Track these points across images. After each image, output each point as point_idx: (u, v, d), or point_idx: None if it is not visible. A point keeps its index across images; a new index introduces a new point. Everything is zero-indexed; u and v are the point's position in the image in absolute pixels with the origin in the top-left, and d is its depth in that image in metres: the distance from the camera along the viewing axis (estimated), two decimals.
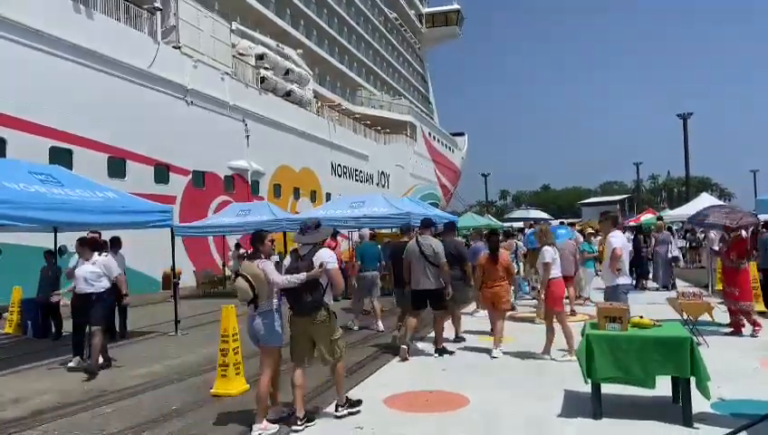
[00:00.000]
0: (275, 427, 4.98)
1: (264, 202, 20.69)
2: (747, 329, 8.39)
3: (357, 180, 37.85)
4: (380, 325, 9.97)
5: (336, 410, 5.29)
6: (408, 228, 9.01)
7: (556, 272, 7.33)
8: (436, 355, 7.65)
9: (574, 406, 5.21)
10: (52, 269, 10.37)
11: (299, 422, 4.97)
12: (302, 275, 4.97)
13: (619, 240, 6.78)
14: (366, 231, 12.68)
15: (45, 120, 15.66)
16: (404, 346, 7.56)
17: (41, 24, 15.58)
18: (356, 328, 10.09)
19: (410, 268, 7.67)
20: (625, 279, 6.88)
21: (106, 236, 10.57)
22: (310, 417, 5.12)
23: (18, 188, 7.73)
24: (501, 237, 10.12)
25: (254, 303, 5.07)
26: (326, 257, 5.10)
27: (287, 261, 5.37)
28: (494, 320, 7.76)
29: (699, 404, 4.84)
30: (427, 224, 8.14)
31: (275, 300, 5.20)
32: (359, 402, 5.42)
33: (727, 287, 8.77)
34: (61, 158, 15.33)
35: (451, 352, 7.78)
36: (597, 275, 13.33)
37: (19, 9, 15.04)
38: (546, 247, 7.38)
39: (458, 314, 8.87)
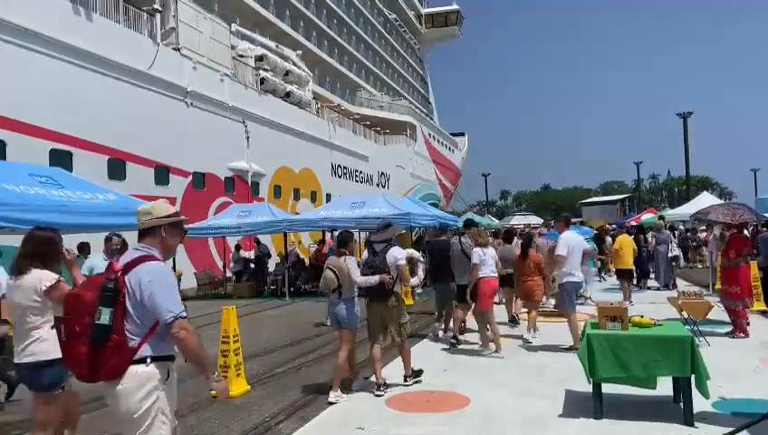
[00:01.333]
0: (345, 396, 5.85)
1: (264, 203, 20.68)
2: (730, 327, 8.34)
3: (357, 181, 37.87)
4: None
5: (405, 381, 6.28)
6: (446, 228, 10.03)
7: (485, 271, 7.69)
8: (454, 342, 8.24)
9: (575, 406, 5.21)
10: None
11: (381, 389, 5.98)
12: (376, 278, 5.89)
13: (565, 243, 7.34)
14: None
15: (45, 122, 15.66)
16: (459, 336, 8.29)
17: (40, 26, 15.58)
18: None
19: (454, 264, 8.39)
20: (572, 277, 7.43)
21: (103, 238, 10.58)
22: (388, 385, 6.08)
23: (18, 190, 7.72)
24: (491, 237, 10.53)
25: (338, 291, 5.93)
26: (397, 254, 6.05)
27: (365, 255, 6.32)
28: (529, 310, 8.69)
29: (700, 403, 4.84)
30: (470, 224, 9.09)
31: (355, 290, 6.10)
32: (421, 372, 6.41)
33: (726, 286, 8.69)
34: (61, 160, 15.36)
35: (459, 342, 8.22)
36: (599, 275, 13.32)
37: (18, 11, 15.05)
38: (475, 249, 7.82)
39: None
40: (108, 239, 6.97)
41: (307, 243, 24.65)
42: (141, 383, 2.74)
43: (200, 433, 5.03)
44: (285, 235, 17.02)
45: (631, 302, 11.30)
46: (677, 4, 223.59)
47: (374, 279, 5.88)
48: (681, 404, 4.84)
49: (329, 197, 31.52)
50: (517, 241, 10.44)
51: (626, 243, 12.60)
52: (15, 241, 14.15)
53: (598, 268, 14.09)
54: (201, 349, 2.85)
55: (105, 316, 2.70)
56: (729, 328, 8.43)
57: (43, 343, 3.65)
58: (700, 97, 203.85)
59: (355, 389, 6.06)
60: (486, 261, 7.72)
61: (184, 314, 2.75)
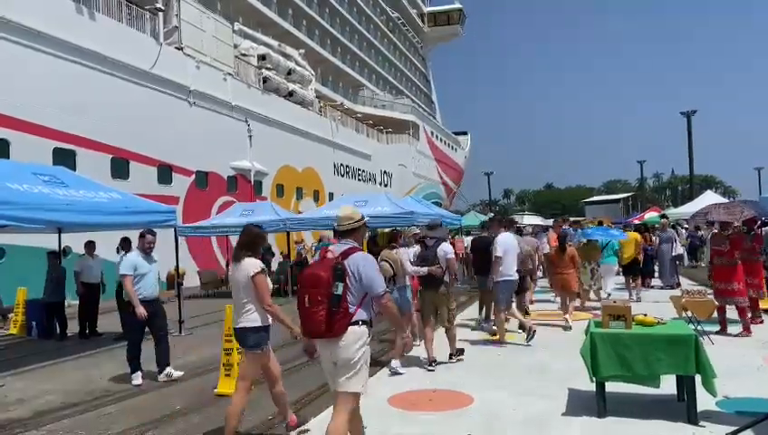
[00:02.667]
0: (404, 370, 6.63)
1: (267, 202, 20.71)
2: (737, 327, 8.29)
3: (360, 180, 37.87)
4: None
5: (450, 359, 7.08)
6: (484, 224, 11.32)
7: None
8: (521, 331, 8.63)
9: (578, 404, 5.20)
10: (57, 270, 10.41)
11: (432, 365, 6.79)
12: (425, 269, 6.85)
13: (500, 245, 7.88)
14: (327, 232, 14.76)
15: (48, 121, 15.70)
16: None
17: (43, 25, 15.62)
18: None
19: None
20: (507, 277, 7.97)
21: (107, 237, 10.64)
22: (437, 361, 6.89)
23: (22, 189, 7.75)
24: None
25: (393, 280, 6.80)
26: (447, 249, 6.96)
27: (417, 249, 7.27)
28: (564, 300, 9.50)
29: (704, 402, 4.82)
30: (511, 222, 10.28)
31: (407, 279, 7.04)
32: (462, 351, 7.27)
33: (724, 284, 8.55)
34: (64, 159, 15.41)
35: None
36: (618, 272, 13.25)
37: (21, 11, 15.09)
38: (400, 250, 8.37)
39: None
40: (142, 236, 7.04)
41: (309, 242, 24.69)
42: (356, 339, 3.72)
43: (204, 431, 5.03)
44: (288, 234, 17.03)
45: (637, 298, 11.23)
46: (682, 3, 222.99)
47: (423, 270, 6.86)
48: (685, 403, 4.83)
49: (331, 196, 31.54)
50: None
51: (629, 239, 12.75)
52: (20, 240, 14.21)
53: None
54: (398, 315, 4.28)
55: (339, 289, 3.69)
56: (738, 328, 8.34)
57: (252, 314, 4.64)
58: (704, 95, 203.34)
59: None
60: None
61: (387, 290, 3.89)
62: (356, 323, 3.73)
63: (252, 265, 4.64)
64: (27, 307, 11.08)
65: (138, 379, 6.72)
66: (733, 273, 8.40)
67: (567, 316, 9.19)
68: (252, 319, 4.64)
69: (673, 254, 14.40)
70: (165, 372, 6.87)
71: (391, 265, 6.98)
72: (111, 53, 17.81)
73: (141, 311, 6.60)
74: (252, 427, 5.09)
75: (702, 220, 10.74)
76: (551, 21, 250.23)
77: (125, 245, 10.16)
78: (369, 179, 39.63)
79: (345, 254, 3.81)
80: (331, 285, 3.68)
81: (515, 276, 8.15)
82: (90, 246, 10.51)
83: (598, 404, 4.92)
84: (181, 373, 6.95)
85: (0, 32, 14.60)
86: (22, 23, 15.05)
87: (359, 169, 37.92)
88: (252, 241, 4.80)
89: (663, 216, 18.25)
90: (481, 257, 9.27)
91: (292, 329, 4.64)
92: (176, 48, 21.14)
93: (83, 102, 16.65)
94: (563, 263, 9.41)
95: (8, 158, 14.01)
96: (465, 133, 73.23)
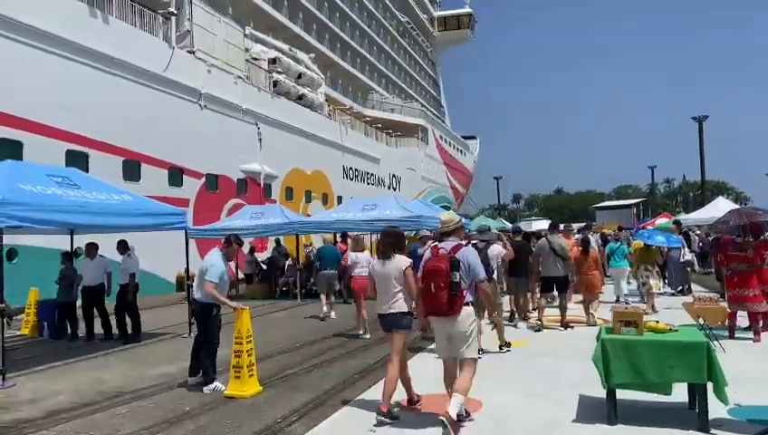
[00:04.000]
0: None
1: (276, 205, 20.78)
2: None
3: (368, 183, 37.90)
4: (332, 314, 12.04)
5: (500, 349, 7.67)
6: (519, 230, 12.26)
7: (357, 271, 9.90)
8: (563, 329, 9.50)
9: (589, 411, 5.17)
10: (69, 271, 10.48)
11: (480, 354, 6.66)
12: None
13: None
14: (328, 236, 15.18)
15: (61, 123, 15.86)
16: (539, 322, 9.72)
17: (57, 28, 15.79)
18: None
19: (540, 260, 9.86)
20: None
21: (109, 238, 10.69)
22: (484, 351, 7.42)
23: (36, 190, 7.83)
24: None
25: None
26: (497, 250, 8.23)
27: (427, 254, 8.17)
28: (589, 300, 10.09)
29: (715, 410, 4.78)
30: (555, 226, 10.91)
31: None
32: (510, 344, 7.84)
33: (740, 290, 8.48)
34: (77, 161, 15.53)
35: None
36: (630, 279, 13.31)
37: (36, 13, 15.26)
38: (350, 252, 10.14)
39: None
40: (230, 244, 6.93)
41: (318, 245, 24.73)
42: (468, 316, 4.84)
43: (213, 433, 5.05)
44: (297, 237, 17.08)
45: (654, 311, 11.05)
46: (692, 6, 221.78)
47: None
48: (696, 411, 4.79)
49: (340, 199, 31.59)
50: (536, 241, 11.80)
51: (639, 246, 12.70)
52: (32, 241, 14.25)
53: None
54: (492, 297, 5.41)
55: (456, 277, 4.72)
56: (751, 334, 8.28)
57: (401, 302, 5.34)
58: (716, 100, 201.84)
59: None
60: (358, 263, 9.92)
61: (486, 277, 5.04)
62: (466, 304, 4.81)
63: (404, 260, 5.37)
64: (39, 308, 11.17)
65: (219, 384, 6.44)
66: (751, 279, 8.35)
67: (593, 312, 9.94)
68: (402, 305, 5.32)
69: (682, 260, 14.28)
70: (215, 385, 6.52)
71: None
72: (124, 57, 17.97)
73: (238, 304, 6.46)
74: (263, 428, 5.10)
75: (725, 228, 10.58)
76: (561, 25, 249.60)
77: (122, 248, 10.24)
78: (378, 183, 39.66)
79: (455, 249, 4.89)
80: (450, 273, 4.71)
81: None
82: (89, 247, 10.39)
83: (608, 411, 4.89)
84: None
85: (14, 34, 14.76)
86: (36, 25, 15.22)
87: (367, 173, 37.97)
88: (397, 241, 5.54)
89: (676, 222, 18.10)
90: (519, 260, 9.99)
91: (421, 319, 5.20)
92: (187, 52, 21.29)
93: (96, 105, 16.79)
94: (587, 265, 10.19)
95: (21, 159, 14.15)
96: (474, 138, 73.12)
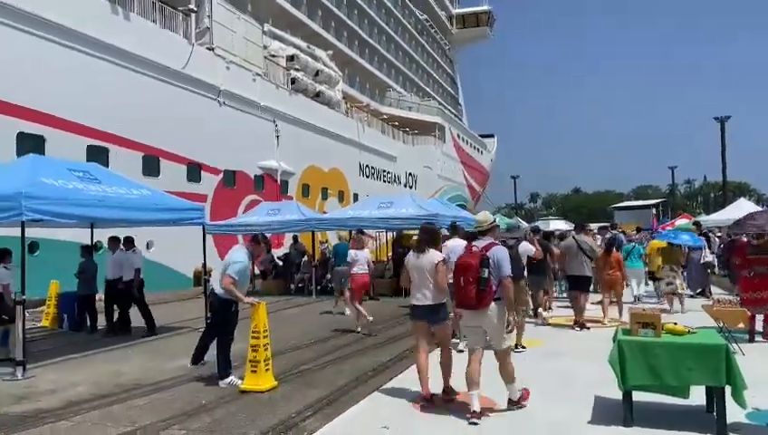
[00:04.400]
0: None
1: (292, 202, 20.88)
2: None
3: (385, 181, 37.91)
4: (347, 311, 11.91)
5: (516, 348, 7.37)
6: (538, 229, 12.22)
7: (356, 269, 10.12)
8: (578, 329, 9.62)
9: (604, 413, 5.13)
10: (89, 264, 10.63)
11: (518, 348, 7.57)
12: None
13: (447, 249, 8.78)
14: (343, 233, 15.42)
15: (83, 118, 16.09)
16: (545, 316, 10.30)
17: (79, 24, 16.01)
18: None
19: (567, 259, 10.06)
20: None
21: (129, 233, 10.83)
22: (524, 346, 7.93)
23: (57, 184, 7.95)
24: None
25: None
26: (527, 247, 8.35)
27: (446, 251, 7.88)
28: (609, 299, 10.42)
29: (733, 414, 4.71)
30: (582, 226, 11.08)
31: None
32: (524, 348, 7.92)
33: (759, 293, 8.35)
34: (98, 156, 15.74)
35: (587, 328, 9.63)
36: (647, 281, 13.35)
37: (58, 10, 15.49)
38: (350, 250, 10.51)
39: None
40: (257, 242, 7.00)
41: (334, 242, 24.81)
42: (497, 309, 5.13)
43: (227, 427, 5.10)
44: (313, 234, 17.14)
45: (683, 311, 11.00)
46: (716, 5, 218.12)
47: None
48: (714, 414, 4.72)
49: (356, 196, 31.64)
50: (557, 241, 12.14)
51: (654, 247, 12.79)
52: (55, 234, 14.41)
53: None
54: (512, 296, 5.22)
55: (485, 273, 5.03)
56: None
57: (435, 294, 5.62)
58: (739, 100, 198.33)
59: None
60: (357, 261, 10.08)
61: (510, 274, 5.17)
62: (495, 299, 5.10)
63: (437, 255, 5.71)
64: (59, 300, 11.35)
65: (235, 378, 6.49)
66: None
67: (613, 317, 10.09)
68: (436, 297, 5.62)
69: (702, 261, 14.07)
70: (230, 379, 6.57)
71: None
72: (145, 53, 18.17)
73: (253, 299, 6.51)
74: (278, 422, 5.13)
75: (752, 229, 10.42)
76: (581, 24, 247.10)
77: (128, 244, 10.37)
78: (395, 181, 39.64)
79: (487, 247, 5.21)
80: (480, 270, 5.02)
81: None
82: (112, 241, 10.65)
83: (624, 413, 4.84)
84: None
85: (36, 30, 15.00)
86: (58, 22, 15.45)
87: (384, 171, 37.97)
88: (432, 236, 5.88)
89: (696, 223, 17.84)
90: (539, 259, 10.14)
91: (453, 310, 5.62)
92: (207, 49, 21.47)
93: (116, 101, 17.01)
94: (609, 265, 10.38)
95: (44, 154, 14.38)
96: (491, 136, 72.74)
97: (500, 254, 5.18)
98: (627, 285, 11.25)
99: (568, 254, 10.07)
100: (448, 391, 5.73)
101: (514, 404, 5.33)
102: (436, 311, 5.65)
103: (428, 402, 5.51)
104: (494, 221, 5.50)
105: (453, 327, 6.04)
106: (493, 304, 5.08)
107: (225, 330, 6.67)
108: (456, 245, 8.86)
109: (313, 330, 10.25)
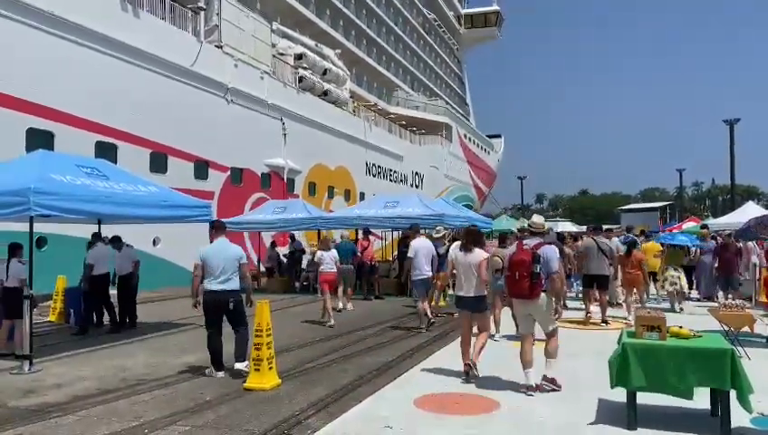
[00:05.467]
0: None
1: (299, 200, 20.91)
2: None
3: (391, 180, 37.91)
4: (349, 306, 12.68)
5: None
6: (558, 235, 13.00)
7: (323, 268, 11.05)
8: (604, 324, 10.20)
9: (608, 415, 5.11)
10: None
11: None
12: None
13: (412, 248, 10.09)
14: (346, 232, 15.96)
15: (92, 115, 16.18)
16: (589, 314, 10.56)
17: (88, 21, 16.10)
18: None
19: (587, 259, 10.61)
20: (419, 275, 9.90)
21: (142, 229, 10.86)
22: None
23: (65, 180, 8.00)
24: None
25: (501, 271, 7.65)
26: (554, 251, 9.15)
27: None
28: (630, 296, 11.13)
29: (738, 419, 4.69)
30: (599, 228, 11.68)
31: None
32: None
33: None
34: (106, 152, 15.84)
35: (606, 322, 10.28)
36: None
37: (67, 6, 15.58)
38: (317, 251, 11.47)
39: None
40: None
41: (338, 241, 24.84)
42: (546, 300, 6.00)
43: (231, 424, 5.12)
44: (319, 232, 17.17)
45: (681, 310, 11.52)
46: (723, 6, 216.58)
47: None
48: (718, 418, 4.70)
49: (362, 195, 31.65)
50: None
51: (648, 248, 13.37)
52: (63, 229, 14.51)
53: None
54: (559, 289, 6.22)
55: (537, 268, 5.86)
56: None
57: (478, 287, 6.48)
58: (748, 102, 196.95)
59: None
60: (324, 259, 11.05)
61: (557, 271, 6.07)
62: (543, 290, 5.94)
63: (482, 253, 6.60)
64: (66, 295, 11.42)
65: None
66: None
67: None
68: (480, 290, 6.47)
69: (715, 265, 13.90)
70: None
71: (501, 259, 7.90)
72: (153, 50, 18.24)
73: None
74: (281, 420, 5.15)
75: (765, 232, 10.43)
76: (589, 24, 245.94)
77: (94, 240, 10.44)
78: (401, 180, 39.64)
79: (537, 246, 6.02)
80: (532, 265, 5.83)
81: (427, 275, 9.97)
82: (115, 239, 10.81)
83: (628, 416, 4.83)
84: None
85: (45, 26, 15.09)
86: (67, 18, 15.53)
87: (390, 170, 37.97)
88: (476, 238, 6.77)
89: (704, 226, 17.72)
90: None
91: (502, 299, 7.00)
92: (215, 46, 21.54)
93: (125, 97, 17.10)
94: (631, 264, 10.97)
95: (53, 149, 14.47)
96: (498, 136, 72.60)
97: (549, 252, 6.00)
98: (647, 283, 11.79)
99: (588, 254, 10.60)
100: (473, 365, 6.40)
101: (548, 382, 5.95)
102: (478, 302, 6.50)
103: (469, 367, 6.40)
104: (545, 226, 6.52)
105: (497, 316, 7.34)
106: (542, 294, 5.91)
107: (245, 318, 6.84)
108: (420, 243, 10.23)
109: (317, 328, 10.28)
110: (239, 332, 6.80)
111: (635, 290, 11.17)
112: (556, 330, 6.17)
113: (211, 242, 7.13)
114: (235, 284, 6.75)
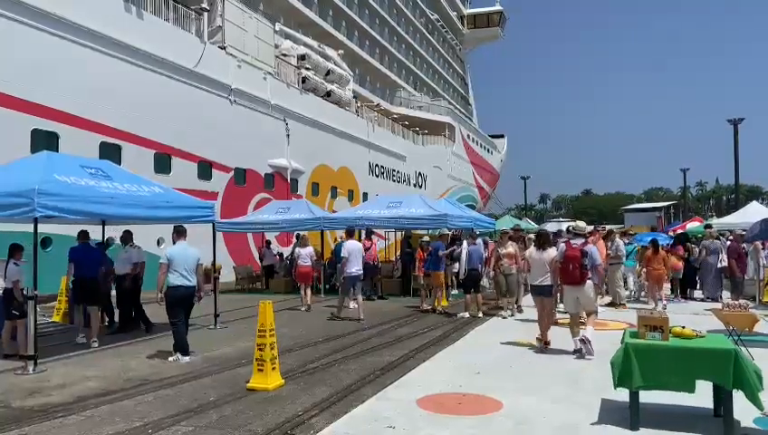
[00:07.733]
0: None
1: (302, 200, 20.94)
2: None
3: (394, 181, 37.93)
4: (351, 305, 12.48)
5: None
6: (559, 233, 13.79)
7: (300, 262, 12.98)
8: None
9: (611, 415, 5.12)
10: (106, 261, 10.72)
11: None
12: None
13: (345, 248, 11.37)
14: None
15: (96, 116, 16.24)
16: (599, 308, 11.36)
17: (90, 22, 16.16)
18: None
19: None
20: (350, 273, 11.28)
21: (147, 229, 10.87)
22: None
23: (69, 181, 8.03)
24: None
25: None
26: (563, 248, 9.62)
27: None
28: (655, 291, 12.49)
29: (741, 418, 4.69)
30: (609, 232, 12.95)
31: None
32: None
33: None
34: (110, 153, 15.90)
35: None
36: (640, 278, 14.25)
37: (71, 8, 15.64)
38: (296, 248, 13.33)
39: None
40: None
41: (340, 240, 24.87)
42: (590, 286, 7.74)
43: (235, 424, 5.14)
44: (322, 232, 17.19)
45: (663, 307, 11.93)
46: (729, 6, 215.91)
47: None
48: (721, 418, 4.70)
49: (366, 196, 31.68)
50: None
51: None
52: (67, 230, 14.50)
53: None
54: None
55: (586, 262, 7.60)
56: None
57: (548, 278, 8.07)
58: (752, 101, 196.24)
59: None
60: (302, 255, 12.93)
61: (600, 263, 8.11)
62: (588, 278, 7.64)
63: (553, 252, 8.10)
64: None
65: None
66: None
67: (660, 305, 12.05)
68: (549, 280, 8.04)
69: (719, 266, 13.84)
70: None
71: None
72: (157, 51, 18.31)
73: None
74: (284, 420, 5.17)
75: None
76: (592, 24, 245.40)
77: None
78: (404, 180, 39.65)
79: (582, 245, 7.77)
80: (581, 259, 7.52)
81: (357, 273, 11.33)
82: (127, 236, 10.80)
83: (631, 416, 4.83)
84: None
85: (49, 27, 15.15)
86: (71, 19, 15.60)
87: (393, 170, 37.99)
88: (547, 239, 8.41)
89: (708, 226, 17.67)
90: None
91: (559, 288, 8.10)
92: (219, 47, 21.59)
93: (129, 98, 17.16)
94: (656, 261, 12.38)
95: (57, 150, 14.53)
96: (501, 136, 72.53)
97: (593, 249, 7.83)
98: (668, 279, 13.36)
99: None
100: (547, 342, 8.08)
101: (584, 343, 7.50)
102: (548, 289, 8.11)
103: (545, 345, 8.05)
104: (587, 229, 8.42)
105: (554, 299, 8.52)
106: (588, 282, 7.63)
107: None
108: (352, 245, 11.43)
109: (320, 328, 10.30)
110: (187, 324, 7.92)
111: (657, 286, 12.35)
112: (596, 310, 8.05)
113: (174, 244, 8.06)
114: (194, 281, 7.79)
